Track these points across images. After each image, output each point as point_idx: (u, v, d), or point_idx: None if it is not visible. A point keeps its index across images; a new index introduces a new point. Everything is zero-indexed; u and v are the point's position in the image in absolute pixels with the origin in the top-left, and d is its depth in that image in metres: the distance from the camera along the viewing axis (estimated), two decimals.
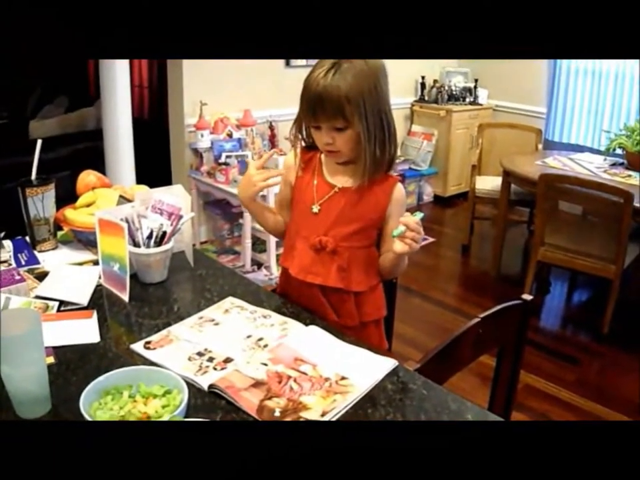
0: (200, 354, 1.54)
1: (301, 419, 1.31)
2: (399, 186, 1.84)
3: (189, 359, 1.52)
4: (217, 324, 1.70)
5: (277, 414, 1.32)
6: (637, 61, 5.43)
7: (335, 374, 1.47)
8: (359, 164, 1.77)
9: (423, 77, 6.65)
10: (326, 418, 1.31)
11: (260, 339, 1.62)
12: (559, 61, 6.03)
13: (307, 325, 1.70)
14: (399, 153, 6.34)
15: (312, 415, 1.32)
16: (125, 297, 1.81)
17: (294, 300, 1.87)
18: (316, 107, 1.68)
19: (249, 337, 1.63)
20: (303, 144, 1.88)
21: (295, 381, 1.44)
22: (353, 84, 1.64)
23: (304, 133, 1.84)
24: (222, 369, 1.47)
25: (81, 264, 2.03)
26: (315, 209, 1.84)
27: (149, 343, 1.60)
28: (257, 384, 1.41)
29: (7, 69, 5.58)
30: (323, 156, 1.89)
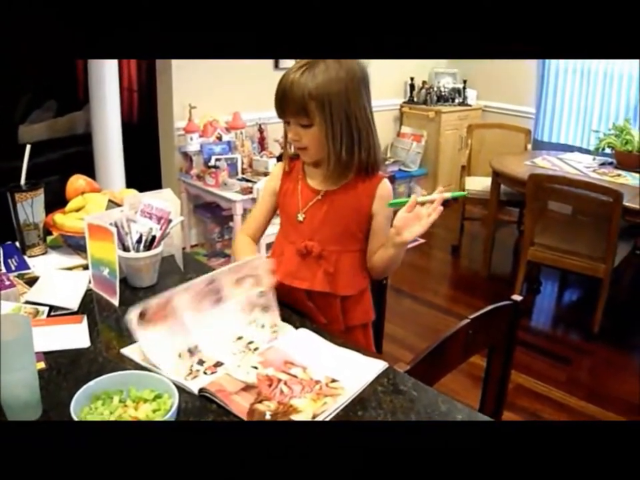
0: (190, 351, 1.54)
1: None
2: (384, 182, 1.83)
3: (180, 355, 1.52)
4: (219, 299, 1.65)
5: (268, 417, 1.32)
6: (626, 60, 5.45)
7: (325, 377, 1.47)
8: (325, 164, 1.78)
9: (411, 78, 6.65)
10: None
11: (250, 342, 1.62)
12: (547, 60, 6.05)
13: (296, 327, 1.70)
14: (388, 154, 6.40)
15: (302, 417, 1.32)
16: (115, 301, 1.81)
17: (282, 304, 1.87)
18: (282, 101, 1.72)
19: (239, 338, 1.63)
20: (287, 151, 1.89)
21: (285, 384, 1.43)
22: (320, 83, 1.66)
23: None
24: (212, 372, 1.47)
25: (70, 269, 2.03)
26: (300, 217, 1.85)
27: (144, 313, 1.49)
28: (248, 387, 1.41)
29: None
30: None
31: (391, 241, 1.73)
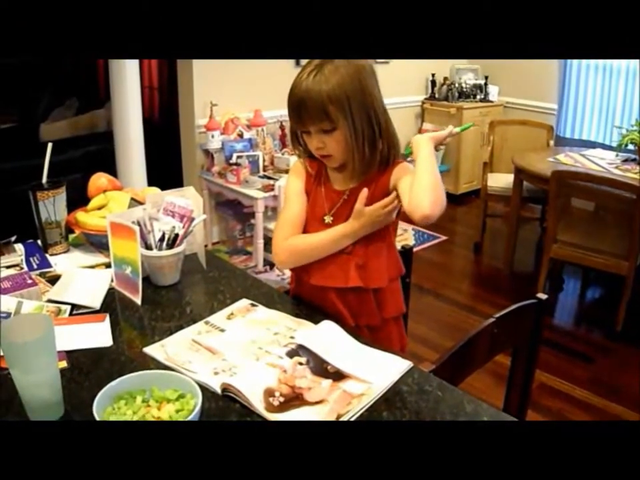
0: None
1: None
2: (402, 163, 1.81)
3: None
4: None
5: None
6: None
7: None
8: (350, 165, 1.77)
9: (433, 75, 6.64)
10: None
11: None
12: None
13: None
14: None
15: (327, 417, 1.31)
16: (138, 299, 1.81)
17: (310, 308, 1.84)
18: (301, 110, 1.68)
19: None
20: (300, 153, 1.87)
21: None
22: (335, 84, 1.63)
23: (301, 141, 1.83)
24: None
25: (93, 267, 2.03)
26: (328, 219, 1.83)
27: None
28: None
29: (17, 71, 5.59)
30: None
31: (413, 148, 1.74)
